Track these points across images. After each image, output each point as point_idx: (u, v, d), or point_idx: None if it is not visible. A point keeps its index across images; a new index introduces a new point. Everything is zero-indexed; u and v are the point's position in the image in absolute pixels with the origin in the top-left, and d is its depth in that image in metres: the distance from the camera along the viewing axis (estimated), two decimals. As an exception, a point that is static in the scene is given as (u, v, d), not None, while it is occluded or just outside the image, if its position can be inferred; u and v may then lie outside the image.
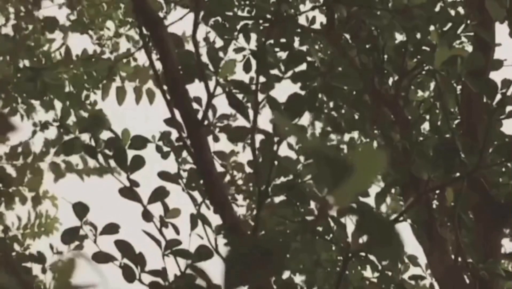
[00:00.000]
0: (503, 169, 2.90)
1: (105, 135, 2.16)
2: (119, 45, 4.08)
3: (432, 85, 3.33)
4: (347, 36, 3.07)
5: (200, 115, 1.96)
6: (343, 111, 3.14)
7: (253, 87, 1.98)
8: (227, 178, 2.69)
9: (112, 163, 2.20)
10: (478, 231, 2.87)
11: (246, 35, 2.72)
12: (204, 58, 2.05)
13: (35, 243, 3.86)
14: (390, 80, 3.11)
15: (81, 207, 2.23)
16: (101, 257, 2.21)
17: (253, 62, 2.82)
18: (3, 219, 3.71)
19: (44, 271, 2.93)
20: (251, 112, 1.93)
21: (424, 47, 2.83)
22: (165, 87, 2.02)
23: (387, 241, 0.57)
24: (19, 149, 3.97)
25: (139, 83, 3.87)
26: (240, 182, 2.99)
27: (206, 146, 1.88)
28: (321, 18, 3.52)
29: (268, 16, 2.57)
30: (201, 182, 2.19)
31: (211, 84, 1.99)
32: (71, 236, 2.32)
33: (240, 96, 1.95)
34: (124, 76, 3.88)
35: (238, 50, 2.85)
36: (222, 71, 1.80)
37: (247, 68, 2.80)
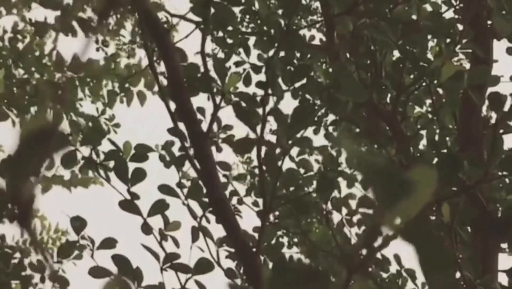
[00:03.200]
0: (500, 185, 2.92)
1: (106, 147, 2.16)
2: (135, 51, 4.09)
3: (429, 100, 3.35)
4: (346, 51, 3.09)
5: (203, 127, 1.97)
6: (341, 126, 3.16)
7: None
8: (230, 188, 2.69)
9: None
10: (475, 245, 2.87)
11: (246, 49, 2.73)
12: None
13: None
14: (388, 96, 3.13)
15: (79, 221, 2.23)
16: (98, 272, 2.19)
17: (253, 75, 2.84)
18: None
19: (43, 280, 2.92)
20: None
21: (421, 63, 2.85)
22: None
23: (444, 267, 0.57)
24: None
25: (130, 85, 3.89)
26: (242, 193, 3.00)
27: (210, 158, 1.88)
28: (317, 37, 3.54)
29: (269, 31, 2.58)
30: (204, 193, 2.19)
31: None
32: (68, 250, 2.31)
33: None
34: (116, 78, 3.89)
35: (239, 63, 2.87)
36: (227, 84, 1.81)
37: (246, 81, 2.81)
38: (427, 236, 0.58)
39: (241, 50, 2.73)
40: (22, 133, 0.47)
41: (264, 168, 1.91)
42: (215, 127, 2.11)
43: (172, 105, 2.03)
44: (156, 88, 3.90)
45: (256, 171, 3.86)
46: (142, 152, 2.09)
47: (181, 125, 2.09)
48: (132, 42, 4.11)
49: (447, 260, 0.58)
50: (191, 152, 2.01)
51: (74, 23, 3.93)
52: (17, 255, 3.40)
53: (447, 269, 0.58)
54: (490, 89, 2.97)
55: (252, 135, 1.94)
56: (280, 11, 2.33)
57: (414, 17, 2.46)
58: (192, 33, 2.50)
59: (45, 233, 4.09)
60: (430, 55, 2.98)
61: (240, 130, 2.84)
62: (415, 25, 2.16)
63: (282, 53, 2.54)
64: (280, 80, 1.92)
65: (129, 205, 2.08)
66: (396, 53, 3.05)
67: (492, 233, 2.90)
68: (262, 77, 3.02)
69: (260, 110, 2.04)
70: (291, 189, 2.47)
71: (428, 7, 2.94)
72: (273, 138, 2.05)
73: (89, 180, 4.02)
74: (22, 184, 0.47)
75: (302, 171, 2.77)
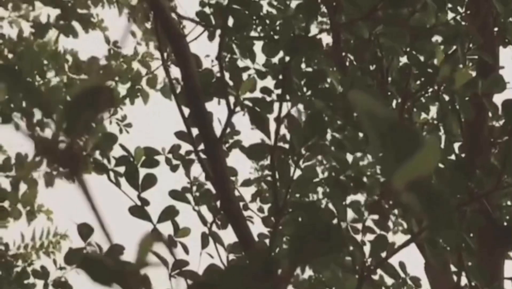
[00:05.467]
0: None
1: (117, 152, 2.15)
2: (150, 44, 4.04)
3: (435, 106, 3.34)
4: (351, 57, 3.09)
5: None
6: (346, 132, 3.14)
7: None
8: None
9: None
10: (481, 253, 2.87)
11: (252, 54, 2.71)
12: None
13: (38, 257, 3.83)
14: (394, 102, 3.12)
15: (86, 228, 2.21)
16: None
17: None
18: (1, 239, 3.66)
19: (46, 286, 2.90)
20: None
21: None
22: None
23: (449, 225, 0.57)
24: (13, 160, 3.94)
25: (132, 83, 3.87)
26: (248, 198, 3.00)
27: (223, 163, 1.87)
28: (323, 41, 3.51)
29: (278, 35, 2.57)
30: (214, 199, 2.18)
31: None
32: (74, 257, 2.29)
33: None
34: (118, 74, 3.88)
35: (244, 69, 2.85)
36: (242, 88, 1.80)
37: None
38: (435, 194, 0.57)
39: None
40: (75, 91, 0.53)
41: (277, 174, 1.89)
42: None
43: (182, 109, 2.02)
44: (158, 86, 3.90)
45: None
46: (153, 158, 2.07)
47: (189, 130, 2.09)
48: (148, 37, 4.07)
49: (454, 219, 0.57)
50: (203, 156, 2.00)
51: (75, 23, 3.91)
52: (20, 263, 3.39)
53: (454, 228, 0.57)
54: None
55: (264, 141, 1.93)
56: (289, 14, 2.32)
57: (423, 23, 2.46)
58: (198, 37, 2.49)
59: (45, 238, 4.06)
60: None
61: (243, 136, 2.83)
62: (428, 32, 2.15)
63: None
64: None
65: (139, 211, 2.06)
66: (402, 59, 3.05)
67: (497, 241, 2.89)
68: (267, 82, 3.01)
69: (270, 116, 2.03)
70: (297, 195, 2.45)
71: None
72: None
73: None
74: (74, 137, 0.52)
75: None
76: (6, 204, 3.65)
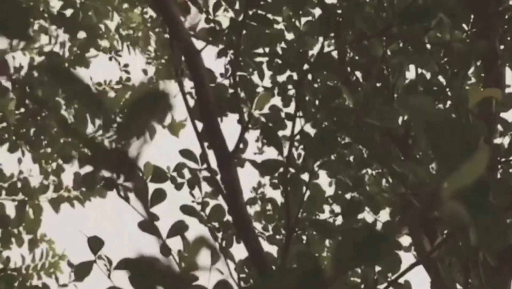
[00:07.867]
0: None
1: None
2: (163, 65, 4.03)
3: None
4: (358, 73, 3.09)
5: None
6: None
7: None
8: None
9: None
10: (489, 272, 2.86)
11: (260, 72, 2.72)
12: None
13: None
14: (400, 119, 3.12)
15: (96, 241, 2.20)
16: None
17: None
18: (2, 257, 3.63)
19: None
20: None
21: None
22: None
23: (501, 236, 0.56)
24: (19, 184, 3.92)
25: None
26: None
27: (236, 179, 1.86)
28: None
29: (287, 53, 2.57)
30: (224, 214, 2.17)
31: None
32: (84, 270, 2.27)
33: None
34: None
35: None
36: (257, 103, 1.79)
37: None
38: (482, 203, 0.56)
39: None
40: (131, 97, 0.52)
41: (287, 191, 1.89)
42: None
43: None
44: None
45: (267, 196, 3.85)
46: (162, 173, 2.07)
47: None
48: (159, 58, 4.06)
49: (505, 230, 0.56)
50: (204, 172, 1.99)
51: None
52: (19, 278, 3.36)
53: (504, 240, 0.56)
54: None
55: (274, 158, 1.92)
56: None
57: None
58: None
59: (44, 258, 4.03)
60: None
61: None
62: (449, 49, 2.15)
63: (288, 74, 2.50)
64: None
65: (148, 226, 2.05)
66: (408, 76, 3.05)
67: (504, 260, 2.88)
68: (272, 100, 3.01)
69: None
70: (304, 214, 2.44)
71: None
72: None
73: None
74: (129, 142, 0.52)
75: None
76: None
